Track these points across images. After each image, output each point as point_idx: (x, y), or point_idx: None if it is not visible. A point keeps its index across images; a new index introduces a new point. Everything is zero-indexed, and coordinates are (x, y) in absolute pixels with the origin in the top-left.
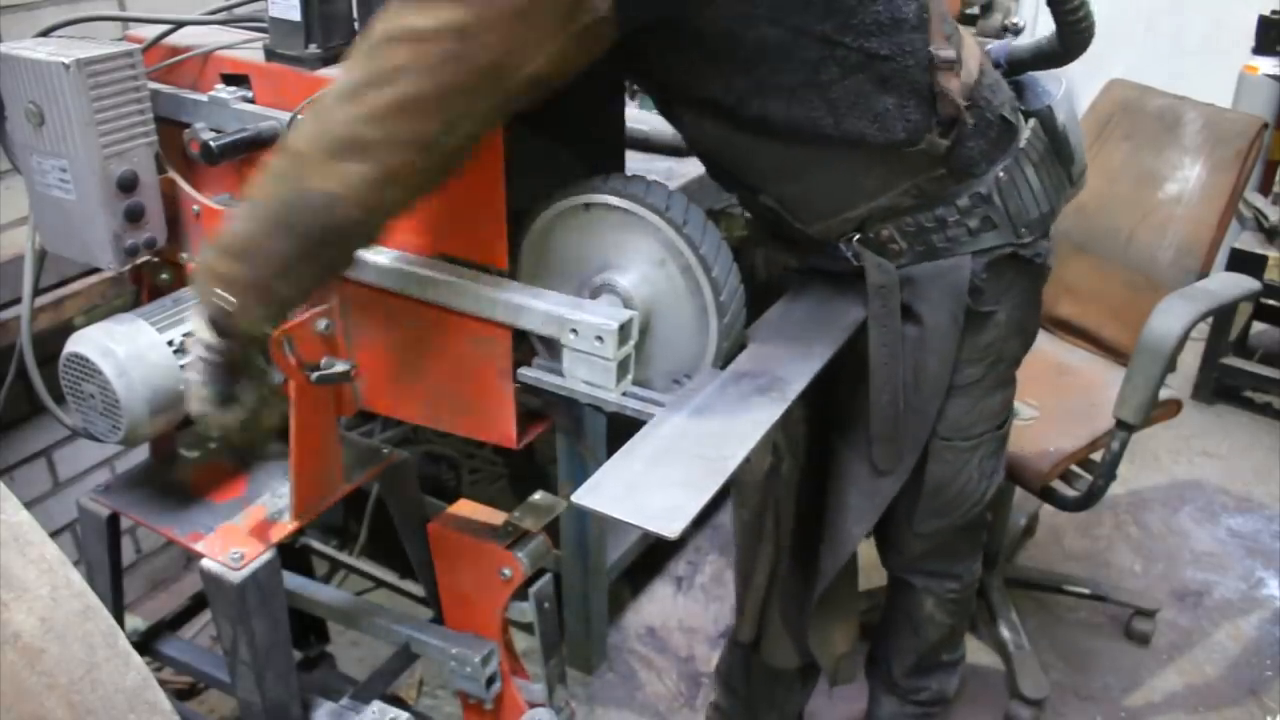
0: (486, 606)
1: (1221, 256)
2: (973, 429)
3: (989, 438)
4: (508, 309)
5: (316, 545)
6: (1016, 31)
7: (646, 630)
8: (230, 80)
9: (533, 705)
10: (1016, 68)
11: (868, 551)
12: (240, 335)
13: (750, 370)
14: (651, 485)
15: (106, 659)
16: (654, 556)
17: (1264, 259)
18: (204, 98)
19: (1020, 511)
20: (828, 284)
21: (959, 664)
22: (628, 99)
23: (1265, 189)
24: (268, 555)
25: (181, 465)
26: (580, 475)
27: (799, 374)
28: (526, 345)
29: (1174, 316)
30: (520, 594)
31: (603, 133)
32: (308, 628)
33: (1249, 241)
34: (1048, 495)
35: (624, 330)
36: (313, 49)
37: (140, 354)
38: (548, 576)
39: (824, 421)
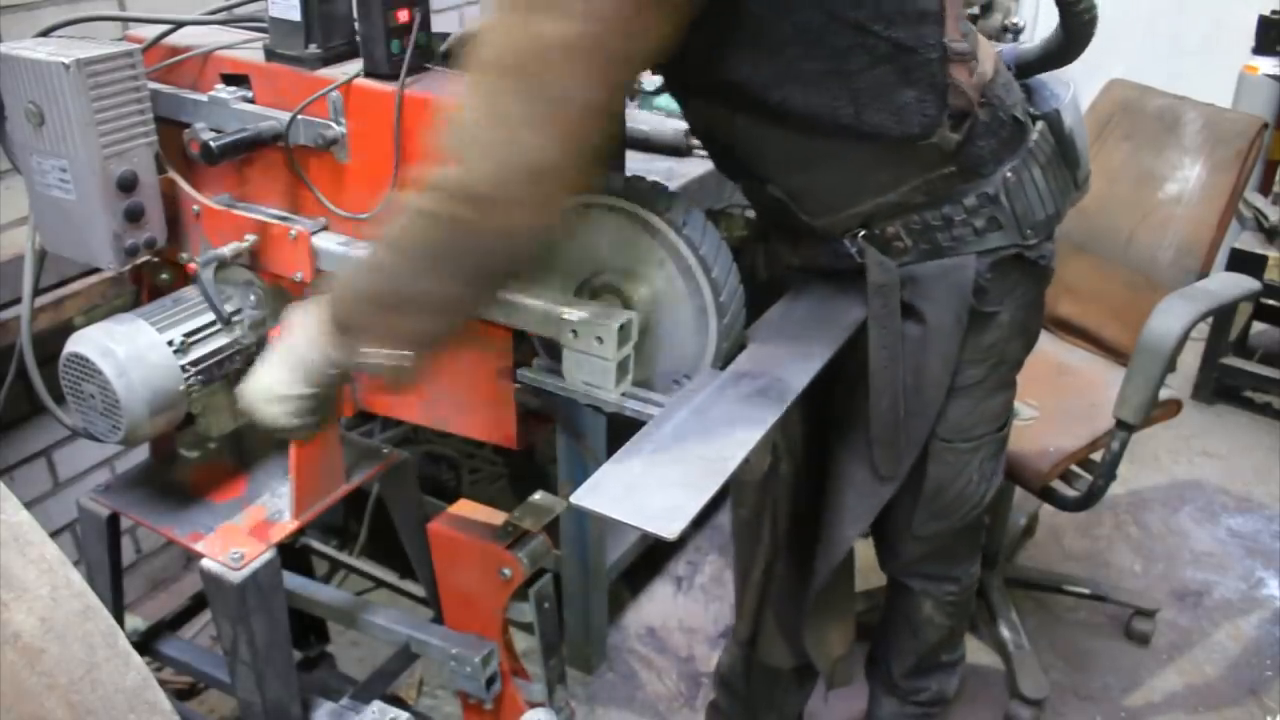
0: (486, 606)
1: (1221, 256)
2: (973, 430)
3: (989, 439)
4: (507, 309)
5: (316, 545)
6: (1017, 31)
7: (646, 630)
8: (230, 80)
9: (533, 705)
10: (1025, 70)
11: (866, 553)
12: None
13: (750, 370)
14: (651, 486)
15: (106, 659)
16: (654, 556)
17: (1264, 259)
18: (204, 98)
19: (1020, 511)
20: (828, 283)
21: (958, 664)
22: (628, 99)
23: (1265, 189)
24: (268, 555)
25: (181, 465)
26: (580, 475)
27: (799, 374)
28: (527, 345)
29: (1174, 316)
30: (520, 594)
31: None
32: (308, 628)
33: (1249, 241)
34: (1048, 495)
35: (624, 330)
36: (313, 49)
37: (140, 354)
38: (548, 576)
39: (822, 422)
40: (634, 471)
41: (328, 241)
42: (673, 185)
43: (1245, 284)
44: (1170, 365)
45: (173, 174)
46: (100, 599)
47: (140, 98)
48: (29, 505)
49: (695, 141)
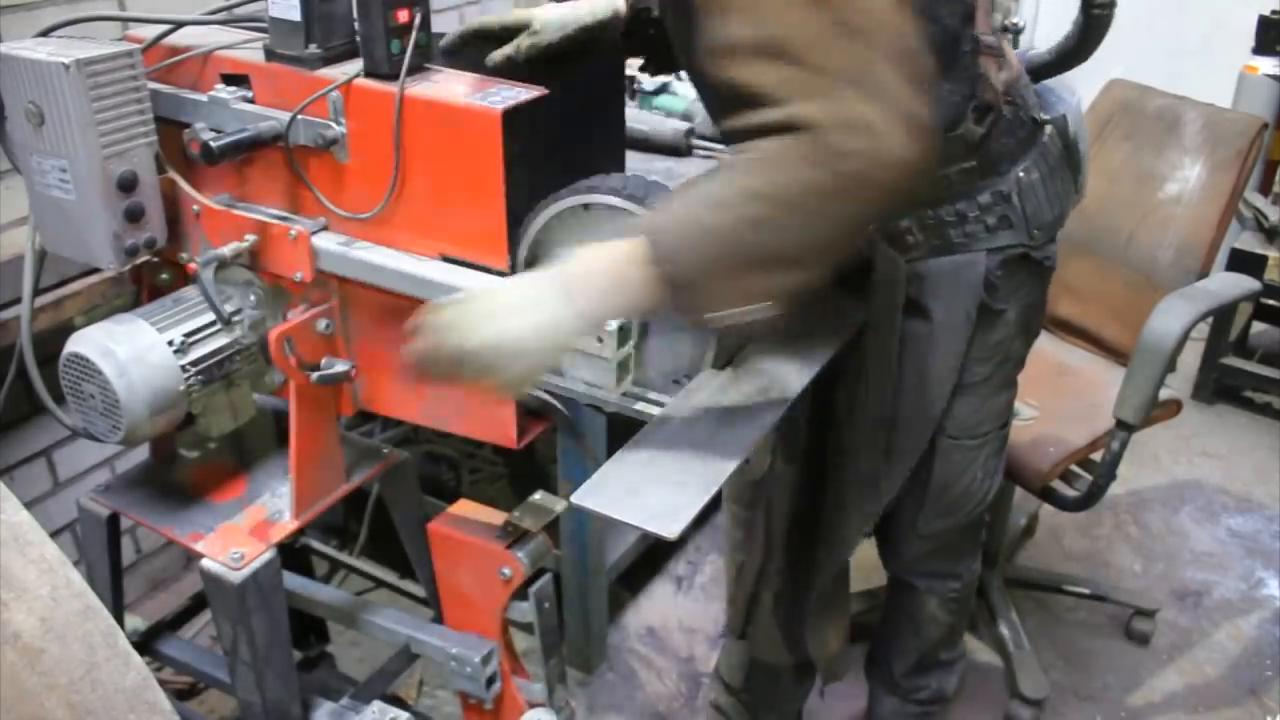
0: (486, 606)
1: (1221, 256)
2: (979, 427)
3: (993, 436)
4: None
5: (316, 545)
6: (1017, 31)
7: (646, 630)
8: (230, 80)
9: (533, 705)
10: (1038, 73)
11: (867, 553)
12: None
13: (750, 370)
14: (651, 486)
15: (106, 659)
16: (654, 556)
17: (1264, 259)
18: (204, 98)
19: (1020, 511)
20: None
21: (958, 662)
22: (628, 99)
23: (1265, 189)
24: (268, 555)
25: (181, 465)
26: (580, 475)
27: (799, 374)
28: None
29: (1174, 316)
30: (520, 594)
31: (603, 133)
32: (308, 628)
33: (1249, 241)
34: (1048, 495)
35: (624, 330)
36: (313, 49)
37: (140, 354)
38: (548, 576)
39: (823, 422)
40: (634, 471)
41: (328, 241)
42: (673, 185)
43: (1245, 284)
44: (1170, 365)
45: (173, 174)
46: (100, 599)
47: (140, 98)
48: (29, 505)
49: (695, 141)
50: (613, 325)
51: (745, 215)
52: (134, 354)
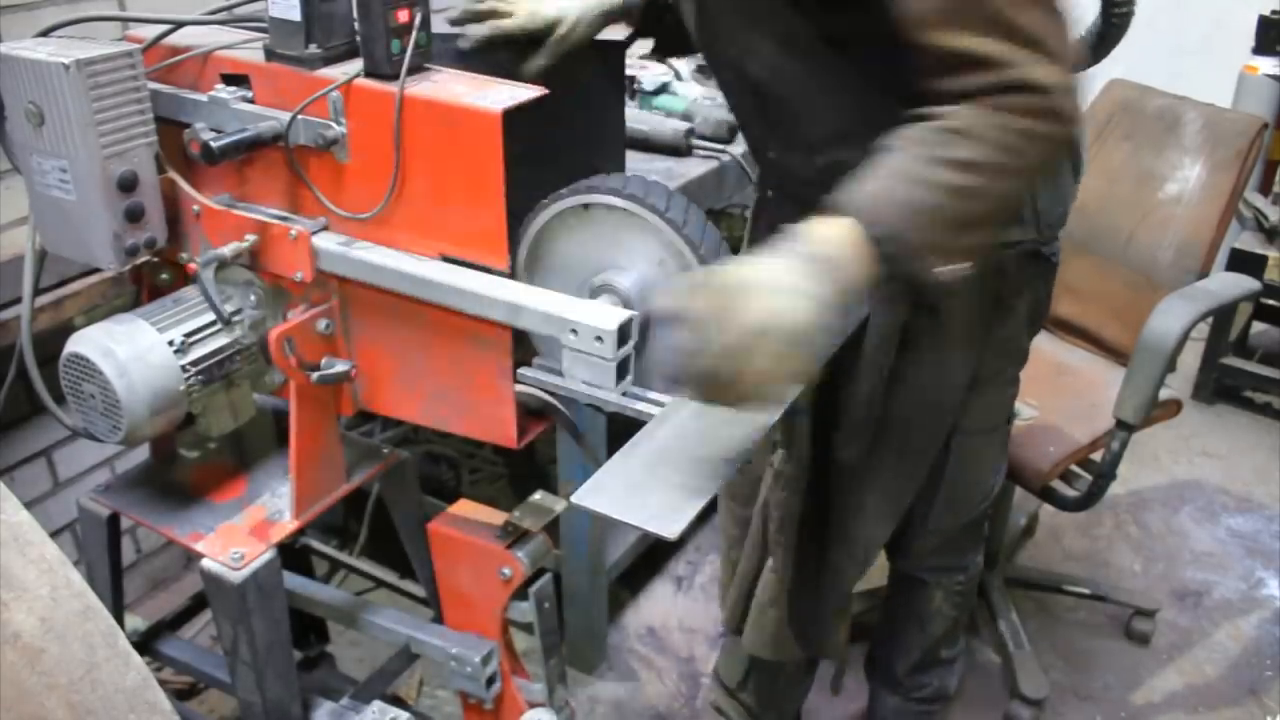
0: (486, 606)
1: (1221, 256)
2: (991, 421)
3: (1002, 429)
4: (508, 309)
5: (316, 545)
6: None
7: (646, 630)
8: (230, 80)
9: (533, 705)
10: None
11: None
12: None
13: None
14: (651, 486)
15: (106, 659)
16: (654, 556)
17: (1264, 259)
18: (204, 98)
19: (1020, 511)
20: None
21: (958, 660)
22: (628, 99)
23: (1265, 189)
24: (268, 555)
25: (181, 465)
26: (581, 475)
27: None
28: (527, 345)
29: (1174, 316)
30: (520, 594)
31: (603, 133)
32: (308, 628)
33: (1249, 241)
34: (1048, 495)
35: (624, 330)
36: (313, 49)
37: (140, 354)
38: (548, 576)
39: (827, 422)
40: (635, 472)
41: (328, 241)
42: (673, 185)
43: (1245, 284)
44: (1170, 365)
45: (173, 174)
46: (100, 599)
47: (140, 98)
48: (29, 505)
49: (695, 141)
50: (613, 325)
51: (957, 185)
52: (134, 354)
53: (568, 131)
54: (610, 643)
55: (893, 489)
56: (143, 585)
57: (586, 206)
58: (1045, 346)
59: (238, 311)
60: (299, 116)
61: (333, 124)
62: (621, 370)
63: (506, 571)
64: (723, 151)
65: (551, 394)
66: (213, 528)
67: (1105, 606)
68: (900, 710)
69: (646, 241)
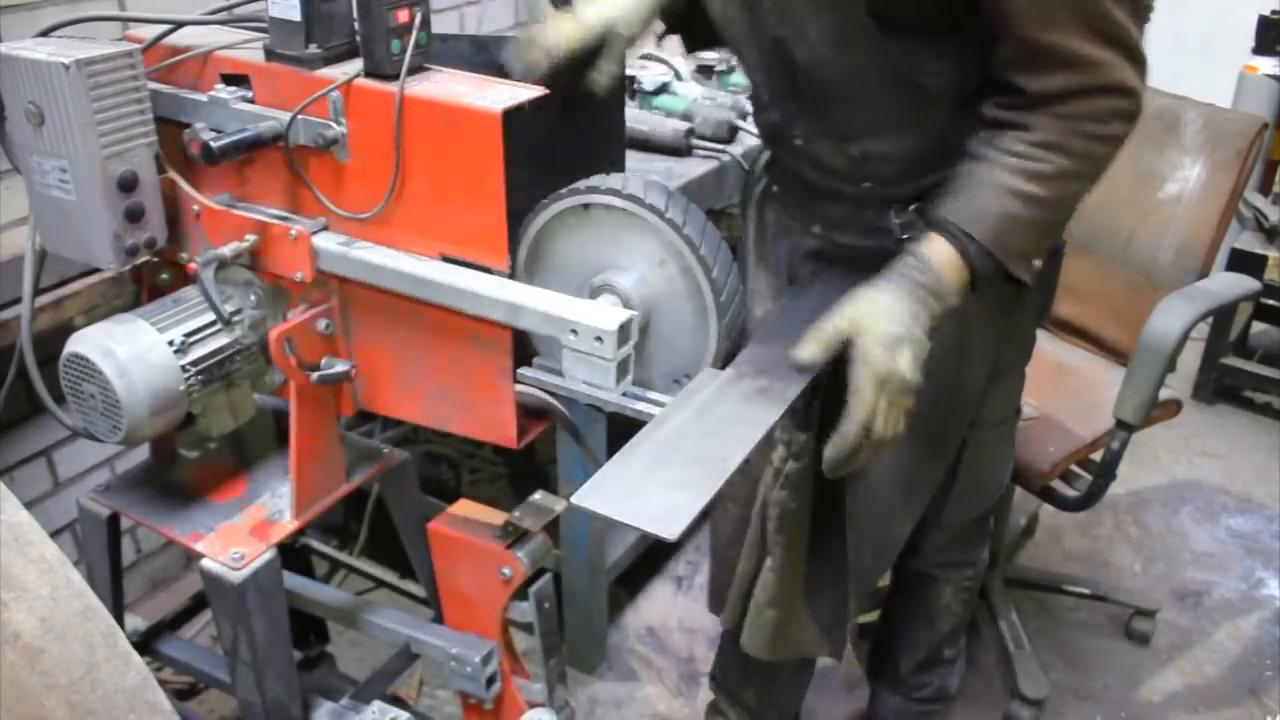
0: (486, 606)
1: (1221, 256)
2: (1005, 411)
3: (1012, 421)
4: (508, 309)
5: (316, 545)
6: None
7: (646, 630)
8: (230, 80)
9: (533, 705)
10: None
11: None
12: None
13: (750, 370)
14: (651, 487)
15: (106, 659)
16: (654, 556)
17: (1264, 259)
18: (204, 98)
19: (1020, 511)
20: (831, 281)
21: (959, 659)
22: (628, 99)
23: (1265, 189)
24: (268, 555)
25: (181, 465)
26: (580, 475)
27: (799, 374)
28: (527, 345)
29: (1174, 316)
30: (520, 594)
31: (603, 133)
32: (308, 628)
33: (1249, 241)
34: (1048, 495)
35: (624, 330)
36: (313, 49)
37: (140, 354)
38: (548, 576)
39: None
40: (634, 472)
41: (328, 241)
42: (673, 185)
43: (1245, 284)
44: (1170, 365)
45: (173, 174)
46: (100, 599)
47: (140, 98)
48: (29, 505)
49: (695, 141)
50: (613, 325)
51: (1047, 196)
52: (134, 354)
53: (568, 131)
54: (610, 643)
55: (916, 483)
56: (143, 585)
57: (586, 207)
58: (1045, 346)
59: (238, 311)
60: (299, 116)
61: (333, 124)
62: (621, 370)
63: (506, 571)
64: (723, 152)
65: (551, 394)
66: (213, 528)
67: (1105, 606)
68: (901, 710)
69: (646, 242)
